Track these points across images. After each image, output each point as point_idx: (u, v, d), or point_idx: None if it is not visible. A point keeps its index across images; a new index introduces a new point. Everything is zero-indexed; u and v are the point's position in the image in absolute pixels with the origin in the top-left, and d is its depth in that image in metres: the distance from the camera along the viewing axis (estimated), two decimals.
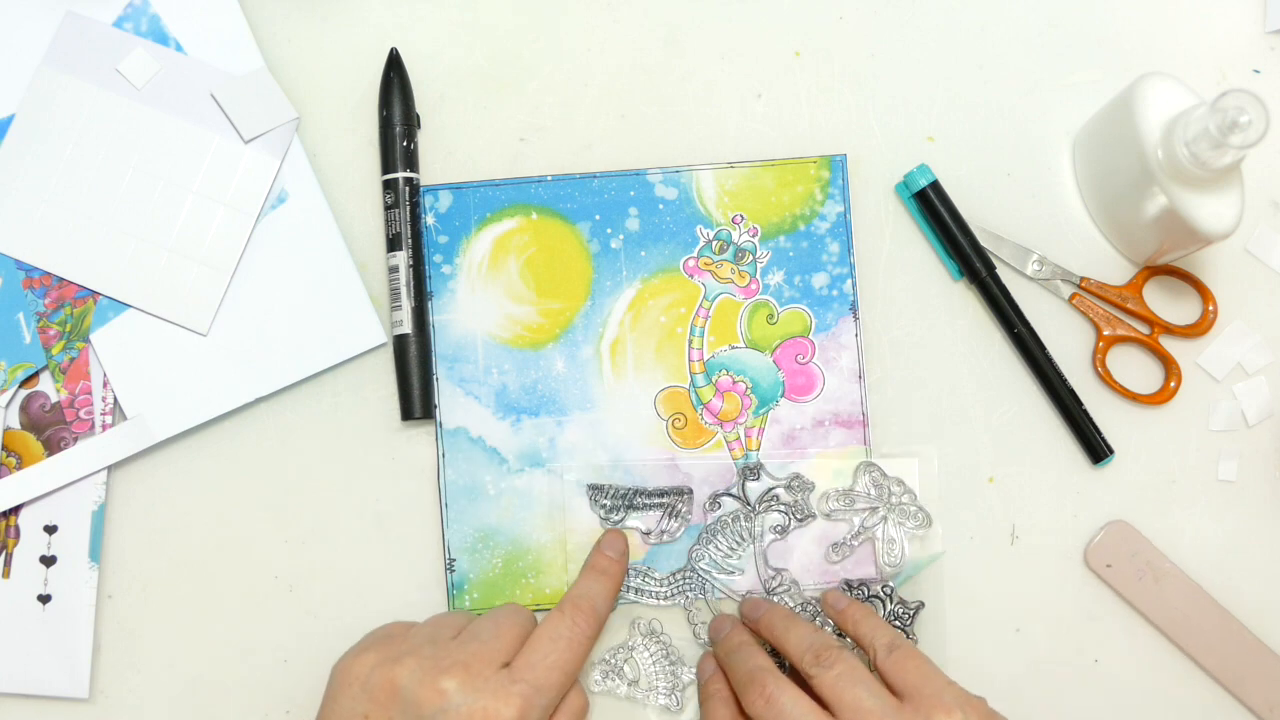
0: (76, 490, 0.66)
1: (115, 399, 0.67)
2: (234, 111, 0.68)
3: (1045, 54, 0.71)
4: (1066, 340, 0.69)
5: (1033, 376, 0.69)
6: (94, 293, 0.67)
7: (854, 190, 0.69)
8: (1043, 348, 0.68)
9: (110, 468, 0.67)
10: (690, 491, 0.67)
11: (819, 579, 0.67)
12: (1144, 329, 0.69)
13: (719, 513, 0.67)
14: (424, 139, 0.69)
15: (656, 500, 0.67)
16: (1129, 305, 0.69)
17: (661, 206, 0.69)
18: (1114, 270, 0.70)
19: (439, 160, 0.69)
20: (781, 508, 0.67)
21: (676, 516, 0.67)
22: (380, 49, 0.69)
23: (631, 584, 0.66)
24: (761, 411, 0.68)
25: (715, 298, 0.69)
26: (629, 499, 0.67)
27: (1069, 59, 0.71)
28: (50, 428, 0.67)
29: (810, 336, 0.69)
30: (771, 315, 0.69)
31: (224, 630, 0.67)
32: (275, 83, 0.68)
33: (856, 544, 0.67)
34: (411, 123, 0.68)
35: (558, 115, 0.70)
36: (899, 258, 0.69)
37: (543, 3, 0.70)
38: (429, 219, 0.68)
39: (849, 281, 0.69)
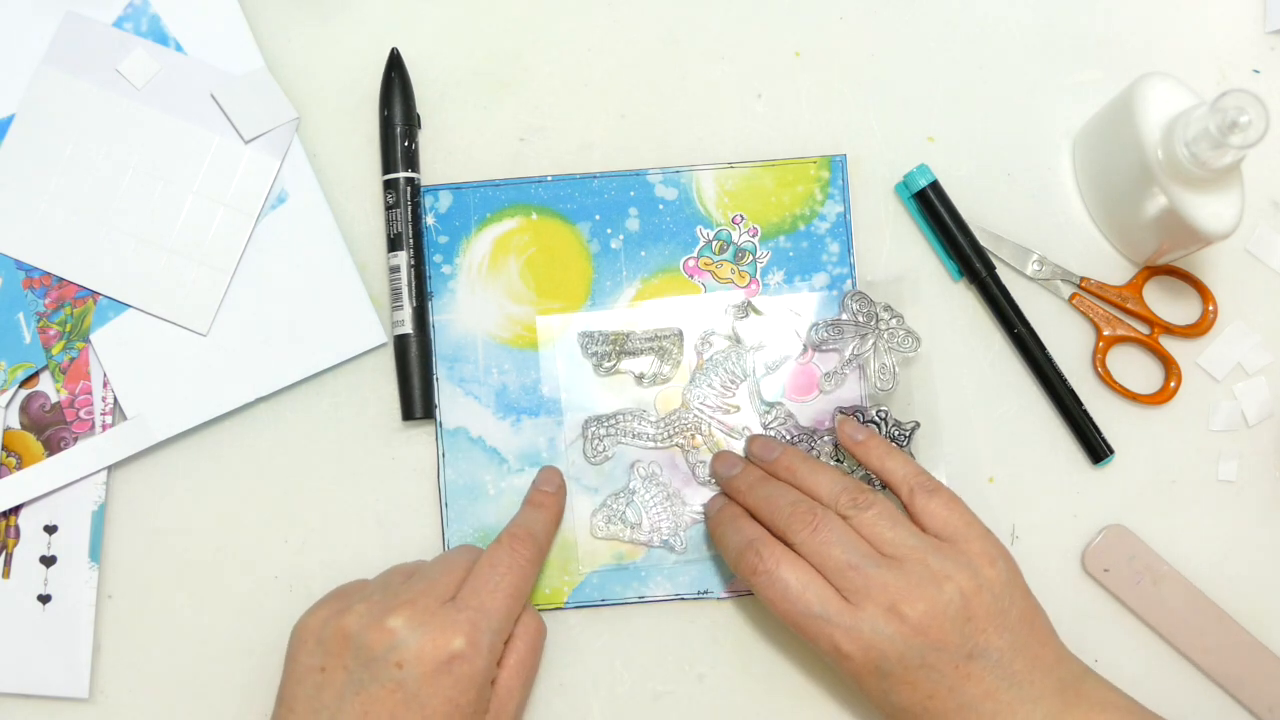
0: (76, 490, 0.66)
1: (115, 399, 0.67)
2: (234, 111, 0.68)
3: (1045, 54, 0.71)
4: (1066, 340, 0.69)
5: (1033, 376, 0.69)
6: (94, 293, 0.67)
7: (854, 190, 0.69)
8: (1043, 348, 0.68)
9: (110, 468, 0.67)
10: (681, 333, 0.67)
11: (812, 409, 0.68)
12: (1144, 329, 0.69)
13: (710, 352, 0.67)
14: (424, 139, 0.69)
15: (647, 344, 0.67)
16: (1129, 305, 0.69)
17: (661, 206, 0.69)
18: (1114, 270, 0.70)
19: (439, 160, 0.69)
20: (772, 342, 0.67)
21: (668, 359, 0.67)
22: (380, 49, 0.69)
23: (628, 428, 0.66)
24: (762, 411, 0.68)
25: None
26: (620, 344, 0.67)
27: (1069, 59, 0.71)
28: (50, 428, 0.67)
29: None
30: None
31: (224, 630, 0.67)
32: (275, 83, 0.68)
33: (848, 372, 0.67)
34: (412, 122, 0.68)
35: (558, 115, 0.70)
36: (899, 258, 0.69)
37: (543, 3, 0.71)
38: (429, 219, 0.68)
39: (849, 281, 0.69)
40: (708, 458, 0.67)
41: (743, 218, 0.69)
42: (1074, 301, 0.69)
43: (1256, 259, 0.70)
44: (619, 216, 0.69)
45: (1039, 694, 0.59)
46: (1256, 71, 0.71)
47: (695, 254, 0.69)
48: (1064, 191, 0.70)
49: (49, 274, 0.67)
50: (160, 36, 0.68)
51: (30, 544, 0.66)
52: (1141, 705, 0.61)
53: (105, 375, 0.67)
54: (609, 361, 0.67)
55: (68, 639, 0.66)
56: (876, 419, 0.67)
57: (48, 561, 0.66)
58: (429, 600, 0.59)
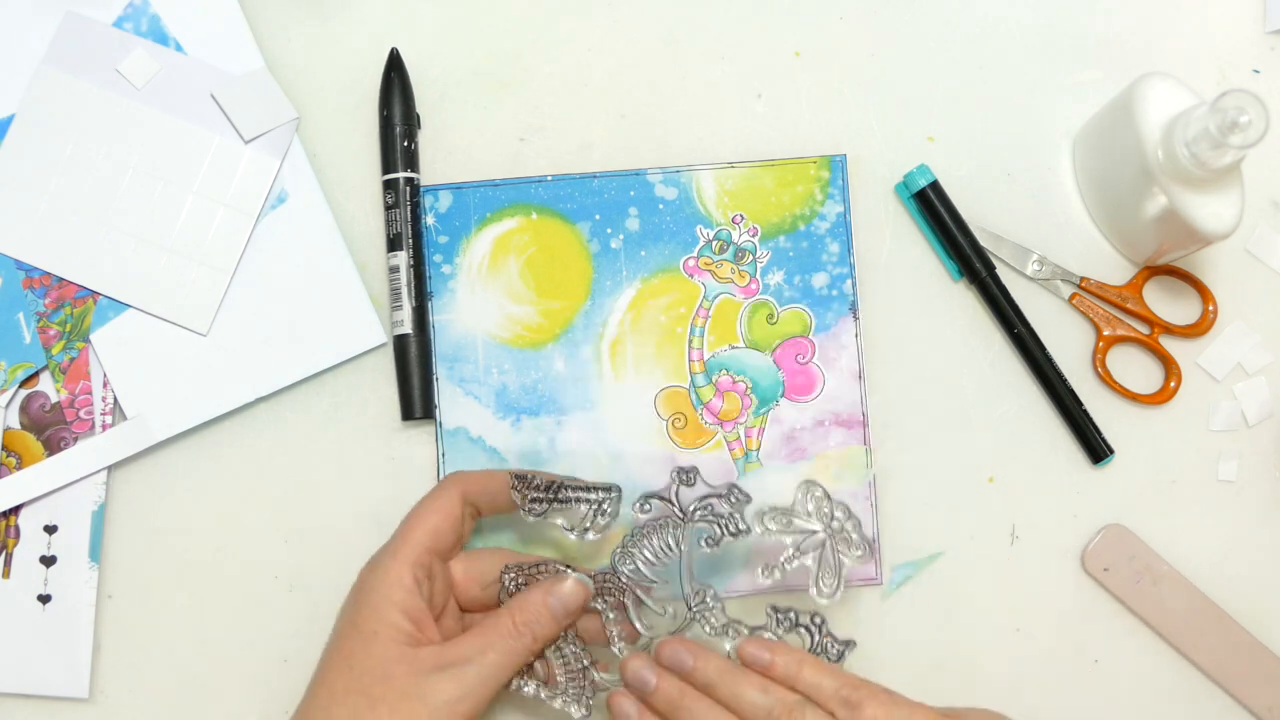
0: (76, 490, 0.66)
1: (115, 399, 0.67)
2: (234, 111, 0.68)
3: (1045, 54, 0.71)
4: (1066, 340, 0.69)
5: (1033, 376, 0.69)
6: (94, 293, 0.67)
7: (854, 190, 0.69)
8: (1043, 348, 0.68)
9: (110, 468, 0.67)
10: (619, 490, 0.63)
11: (746, 599, 0.66)
12: (1144, 329, 0.69)
13: (648, 515, 0.63)
14: (424, 139, 0.69)
15: (584, 496, 0.62)
16: (1129, 305, 0.69)
17: (661, 206, 0.69)
18: (1114, 270, 0.70)
19: (439, 160, 0.69)
20: (714, 518, 0.62)
21: (603, 515, 0.62)
22: (380, 49, 0.69)
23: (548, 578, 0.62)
24: (761, 411, 0.68)
25: (715, 298, 0.69)
26: (554, 492, 0.62)
27: (1069, 59, 0.71)
28: (50, 428, 0.67)
29: (810, 336, 0.69)
30: (771, 315, 0.69)
31: (224, 630, 0.67)
32: (275, 83, 0.68)
33: (790, 567, 0.62)
34: (412, 122, 0.68)
35: (558, 115, 0.70)
36: (899, 258, 0.70)
37: (543, 3, 0.71)
38: (429, 219, 0.68)
39: (849, 281, 0.69)
40: (629, 631, 0.62)
41: (743, 217, 0.69)
42: (1074, 301, 0.69)
43: (1256, 259, 0.70)
44: (619, 216, 0.69)
45: None
46: (1256, 71, 0.71)
47: (695, 254, 0.69)
48: (1064, 191, 0.70)
49: (49, 274, 0.67)
50: (160, 36, 0.68)
51: (30, 544, 0.66)
52: None
53: (105, 375, 0.67)
54: (540, 507, 0.62)
55: (68, 639, 0.66)
56: (810, 625, 0.61)
57: (48, 561, 0.66)
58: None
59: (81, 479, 0.66)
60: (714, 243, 0.69)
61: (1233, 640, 0.67)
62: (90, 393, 0.67)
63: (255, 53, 0.69)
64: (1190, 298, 0.70)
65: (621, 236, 0.69)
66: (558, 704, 0.62)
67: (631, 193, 0.69)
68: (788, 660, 0.59)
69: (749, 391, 0.68)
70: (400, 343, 0.67)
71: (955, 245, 0.69)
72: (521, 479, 0.62)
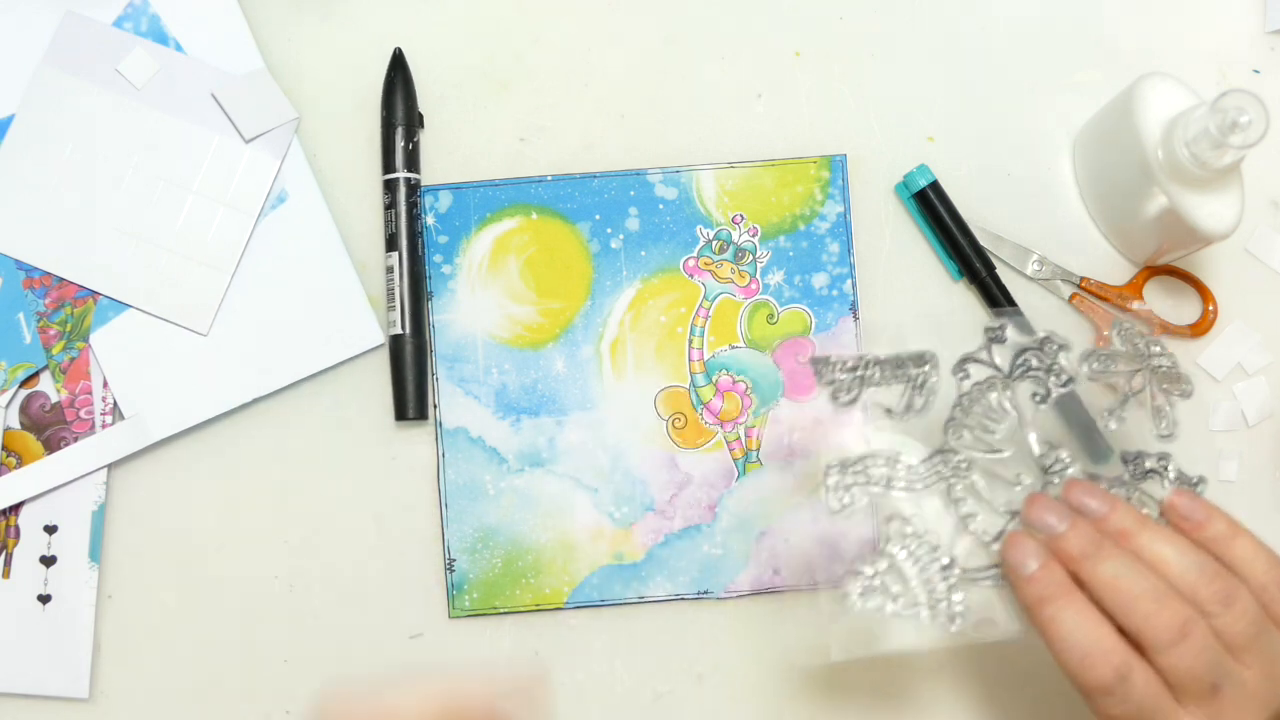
0: (76, 490, 0.66)
1: (115, 399, 0.67)
2: (234, 111, 0.68)
3: (1045, 54, 0.71)
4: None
5: None
6: (94, 293, 0.67)
7: (854, 190, 0.69)
8: None
9: (110, 467, 0.67)
10: (935, 357, 0.57)
11: (1089, 451, 0.60)
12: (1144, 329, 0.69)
13: (970, 381, 0.57)
14: (424, 139, 0.69)
15: (895, 372, 0.57)
16: (1129, 305, 0.69)
17: (661, 206, 0.69)
18: (1114, 270, 0.70)
19: (439, 160, 0.69)
20: (1038, 372, 0.57)
21: (923, 389, 0.57)
22: (380, 49, 0.69)
23: (881, 473, 0.57)
24: (762, 412, 0.68)
25: (715, 298, 0.69)
26: (863, 375, 0.56)
27: (1069, 59, 0.71)
28: (50, 428, 0.67)
29: (810, 336, 0.69)
30: (771, 315, 0.69)
31: (224, 630, 0.67)
32: (275, 83, 0.68)
33: (1127, 413, 0.58)
34: (414, 122, 0.68)
35: (558, 115, 0.70)
36: (899, 258, 0.69)
37: (543, 3, 0.71)
38: (429, 219, 0.69)
39: (849, 281, 0.69)
40: (977, 510, 0.56)
41: (743, 217, 0.69)
42: (1074, 301, 0.69)
43: (1256, 259, 0.70)
44: (619, 216, 0.69)
45: None
46: (1256, 71, 0.72)
47: (695, 254, 0.69)
48: (1064, 191, 0.70)
49: (49, 274, 0.67)
50: (160, 36, 0.68)
51: (30, 544, 0.66)
52: None
53: (105, 375, 0.67)
54: (849, 393, 0.57)
55: (68, 639, 0.66)
56: (1158, 469, 0.57)
57: (48, 561, 0.66)
58: None
59: (80, 478, 0.66)
60: (714, 243, 0.69)
61: None
62: (90, 393, 0.67)
63: (255, 53, 0.69)
64: (1190, 298, 0.70)
65: (621, 236, 0.69)
66: (923, 616, 0.55)
67: (631, 193, 0.69)
68: (1222, 526, 0.53)
69: (749, 391, 0.68)
70: (395, 343, 0.67)
71: (955, 245, 0.69)
72: (822, 362, 0.57)
